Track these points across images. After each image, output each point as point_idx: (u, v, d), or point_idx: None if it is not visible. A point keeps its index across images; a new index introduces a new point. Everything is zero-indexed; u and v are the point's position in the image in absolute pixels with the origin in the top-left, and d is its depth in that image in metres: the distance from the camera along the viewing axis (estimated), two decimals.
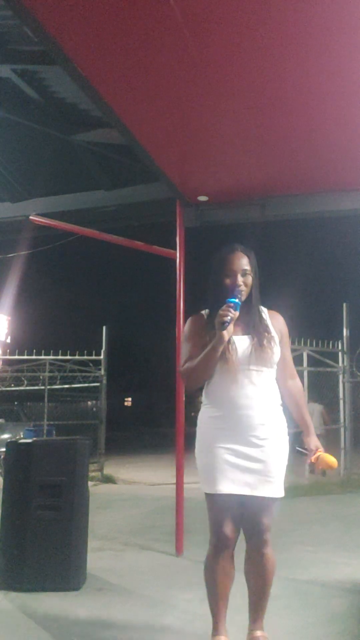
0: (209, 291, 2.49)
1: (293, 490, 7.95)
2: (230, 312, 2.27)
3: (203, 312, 2.53)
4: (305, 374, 9.20)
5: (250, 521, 2.43)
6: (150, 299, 52.17)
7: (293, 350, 8.91)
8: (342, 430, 9.43)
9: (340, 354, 9.53)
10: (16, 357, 11.25)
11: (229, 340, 2.36)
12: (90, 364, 10.88)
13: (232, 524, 2.41)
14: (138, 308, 53.28)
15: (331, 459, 2.47)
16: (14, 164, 6.17)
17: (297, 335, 8.93)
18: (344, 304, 9.63)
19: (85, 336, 14.67)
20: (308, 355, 9.14)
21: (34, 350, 11.05)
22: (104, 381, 10.77)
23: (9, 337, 16.72)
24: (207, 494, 2.42)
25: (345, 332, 9.55)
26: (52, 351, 11.09)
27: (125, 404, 44.58)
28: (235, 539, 2.45)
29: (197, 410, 2.54)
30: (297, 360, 9.10)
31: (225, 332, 2.29)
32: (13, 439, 4.86)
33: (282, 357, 2.49)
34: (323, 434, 9.18)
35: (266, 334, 2.43)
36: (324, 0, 2.55)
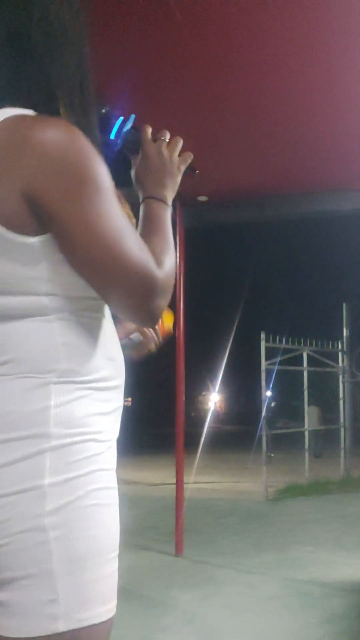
0: None
1: (292, 490, 7.97)
2: None
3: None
4: (305, 374, 9.21)
5: None
6: None
7: (293, 351, 9.06)
8: (341, 430, 9.44)
9: (340, 354, 9.54)
10: None
11: None
12: None
13: None
14: None
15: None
16: None
17: (297, 335, 8.94)
18: (344, 304, 9.66)
19: None
20: (308, 355, 9.14)
21: None
22: None
23: None
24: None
25: (345, 332, 9.57)
26: None
27: (126, 403, 44.51)
28: None
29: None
30: (297, 361, 9.11)
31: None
32: None
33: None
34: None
35: None
36: (324, 1, 2.55)
